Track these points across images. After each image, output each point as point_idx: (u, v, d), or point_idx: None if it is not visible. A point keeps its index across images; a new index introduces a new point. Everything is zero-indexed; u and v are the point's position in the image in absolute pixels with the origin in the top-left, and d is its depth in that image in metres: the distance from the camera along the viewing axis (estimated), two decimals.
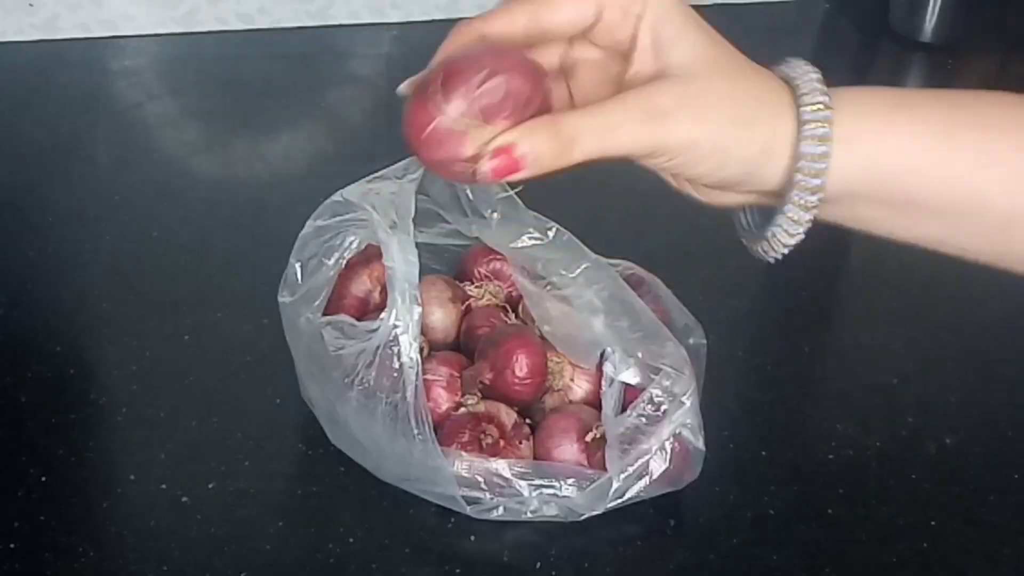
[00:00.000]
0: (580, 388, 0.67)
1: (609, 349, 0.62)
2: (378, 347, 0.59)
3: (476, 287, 0.72)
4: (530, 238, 0.65)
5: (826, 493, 0.66)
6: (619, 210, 0.85)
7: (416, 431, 0.59)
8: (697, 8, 0.43)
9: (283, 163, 0.94)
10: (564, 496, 0.60)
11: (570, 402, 0.67)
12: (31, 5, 1.04)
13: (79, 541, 0.60)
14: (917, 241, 0.45)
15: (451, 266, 0.76)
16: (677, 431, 0.60)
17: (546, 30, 0.44)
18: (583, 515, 0.61)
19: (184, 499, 0.63)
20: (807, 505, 0.65)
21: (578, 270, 0.65)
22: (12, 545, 0.60)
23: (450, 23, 0.44)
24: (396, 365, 0.58)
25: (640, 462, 0.60)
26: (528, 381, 0.65)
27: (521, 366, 0.65)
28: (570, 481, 0.61)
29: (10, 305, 0.77)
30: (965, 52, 1.15)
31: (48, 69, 1.04)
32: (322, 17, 1.11)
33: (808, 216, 0.43)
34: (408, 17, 1.12)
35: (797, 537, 0.63)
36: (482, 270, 0.72)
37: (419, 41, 1.09)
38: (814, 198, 0.42)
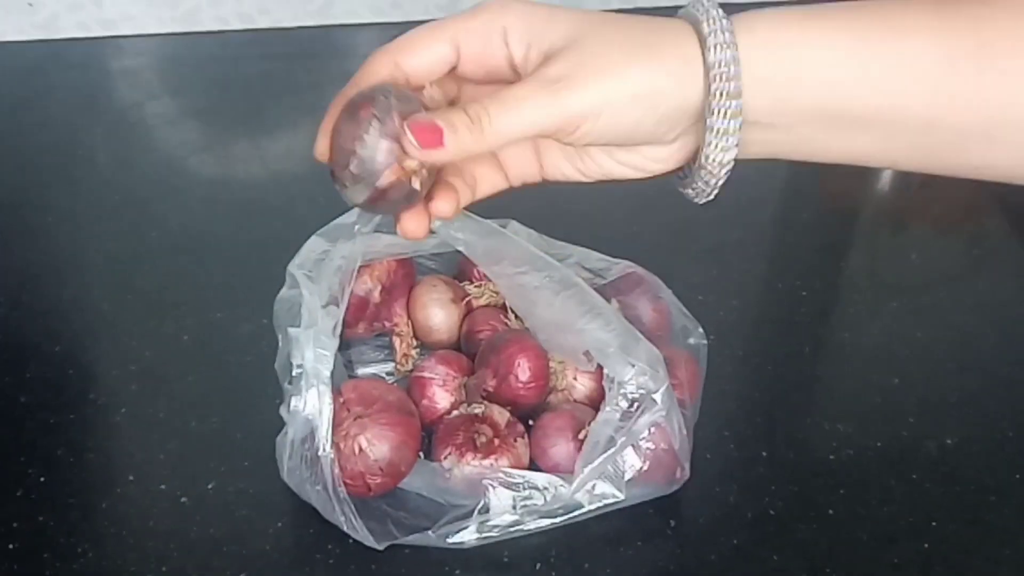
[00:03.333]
0: (583, 387, 0.67)
1: (591, 351, 0.62)
2: (292, 441, 0.59)
3: (476, 287, 0.72)
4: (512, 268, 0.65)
5: (826, 493, 0.66)
6: (619, 210, 0.85)
7: (342, 517, 0.59)
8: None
9: (283, 163, 0.94)
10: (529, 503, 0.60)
11: (574, 401, 0.67)
12: (31, 5, 1.04)
13: (79, 541, 0.60)
14: (852, 159, 0.45)
15: (451, 266, 0.76)
16: (651, 429, 0.60)
17: (409, 75, 0.45)
18: (557, 517, 0.61)
19: (183, 499, 0.63)
20: (807, 505, 0.65)
21: (543, 278, 0.64)
22: (11, 546, 0.60)
23: None
24: (313, 456, 0.59)
25: (601, 459, 0.59)
26: (532, 385, 0.65)
27: (524, 370, 0.65)
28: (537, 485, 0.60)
29: (10, 305, 0.77)
30: None
31: (48, 69, 1.04)
32: (322, 17, 1.11)
33: (735, 124, 0.42)
34: (408, 17, 1.12)
35: (797, 537, 0.63)
36: (481, 270, 0.72)
37: None
38: (735, 104, 0.41)
